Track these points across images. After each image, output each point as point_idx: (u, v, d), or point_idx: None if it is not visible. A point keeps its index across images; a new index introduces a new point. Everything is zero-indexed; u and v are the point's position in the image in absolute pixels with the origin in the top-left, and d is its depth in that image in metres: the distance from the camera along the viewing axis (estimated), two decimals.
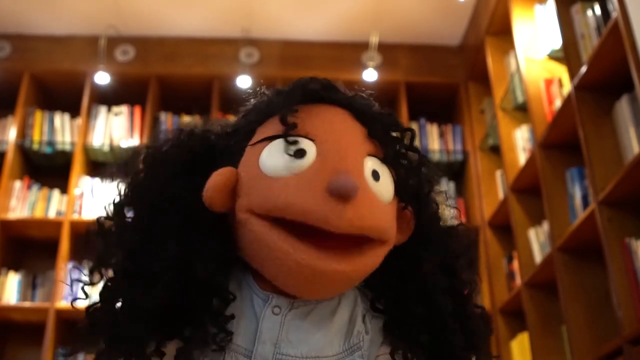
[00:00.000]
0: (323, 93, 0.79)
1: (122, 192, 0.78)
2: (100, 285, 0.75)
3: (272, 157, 0.73)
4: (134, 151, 0.80)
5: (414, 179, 0.80)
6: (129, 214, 0.77)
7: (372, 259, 0.74)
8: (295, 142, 0.72)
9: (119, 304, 0.73)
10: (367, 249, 0.72)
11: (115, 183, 0.79)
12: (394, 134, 0.80)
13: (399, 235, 0.78)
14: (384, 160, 0.76)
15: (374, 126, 0.78)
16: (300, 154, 0.72)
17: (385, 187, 0.75)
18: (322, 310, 0.76)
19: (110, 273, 0.76)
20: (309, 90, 0.78)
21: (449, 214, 0.84)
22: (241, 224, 0.73)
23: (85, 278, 0.76)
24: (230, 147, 0.79)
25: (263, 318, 0.74)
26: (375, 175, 0.74)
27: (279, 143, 0.73)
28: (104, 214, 0.78)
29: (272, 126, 0.75)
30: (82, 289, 0.76)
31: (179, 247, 0.72)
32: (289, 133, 0.73)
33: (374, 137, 0.77)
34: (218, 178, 0.73)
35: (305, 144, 0.73)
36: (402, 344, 0.75)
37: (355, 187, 0.67)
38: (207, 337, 0.70)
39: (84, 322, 0.74)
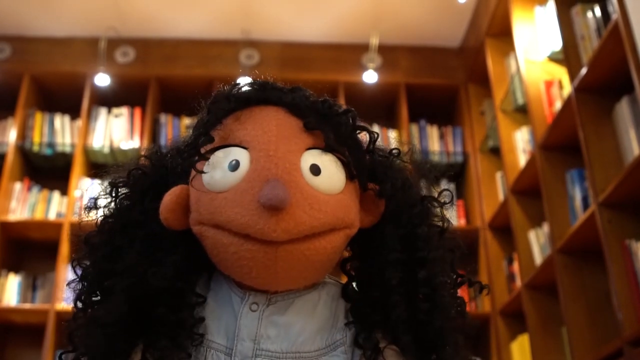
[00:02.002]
0: (251, 95, 0.79)
1: (97, 223, 0.82)
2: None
3: (212, 171, 0.74)
4: (109, 183, 0.83)
5: (367, 158, 0.80)
6: (97, 239, 0.81)
7: (328, 242, 0.74)
8: (230, 153, 0.74)
9: (82, 316, 0.78)
10: (323, 235, 0.73)
11: (90, 216, 0.82)
12: (335, 120, 0.79)
13: (368, 217, 0.78)
14: (326, 148, 0.76)
15: (309, 117, 0.77)
16: (235, 165, 0.73)
17: (328, 178, 0.74)
18: (302, 305, 0.77)
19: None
20: (237, 97, 0.80)
21: (430, 192, 0.83)
22: (198, 236, 0.76)
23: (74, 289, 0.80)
24: (181, 166, 0.80)
25: (241, 315, 0.75)
26: (315, 169, 0.74)
27: (215, 156, 0.75)
28: (79, 249, 0.81)
29: (208, 143, 0.77)
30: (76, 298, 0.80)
31: (136, 260, 0.75)
32: (225, 144, 0.75)
33: (312, 128, 0.76)
34: (168, 198, 0.76)
35: (239, 153, 0.74)
36: (376, 319, 0.75)
37: (283, 199, 0.68)
38: (175, 342, 0.73)
39: (69, 330, 0.78)
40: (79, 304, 0.78)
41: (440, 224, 0.81)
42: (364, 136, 0.81)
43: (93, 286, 0.78)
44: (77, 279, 0.79)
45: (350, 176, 0.76)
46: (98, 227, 0.81)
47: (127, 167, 0.83)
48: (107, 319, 0.73)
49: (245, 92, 0.80)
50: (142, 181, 0.81)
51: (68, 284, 0.80)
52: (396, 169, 0.81)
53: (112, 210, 0.81)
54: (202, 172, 0.74)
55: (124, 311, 0.73)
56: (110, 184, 0.82)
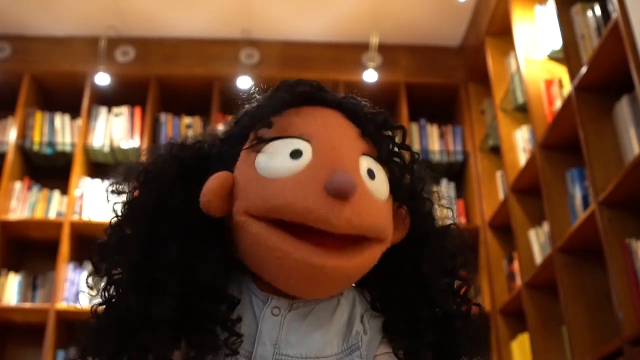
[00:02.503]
0: (313, 94, 0.79)
1: (119, 211, 0.78)
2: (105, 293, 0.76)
3: (268, 158, 0.73)
4: (126, 168, 0.80)
5: (408, 177, 0.80)
6: (128, 230, 0.76)
7: (369, 257, 0.74)
8: (290, 143, 0.73)
9: (123, 314, 0.72)
10: (365, 247, 0.73)
11: (111, 201, 0.78)
12: (387, 133, 0.80)
13: (395, 234, 0.78)
14: (378, 159, 0.77)
15: (366, 125, 0.78)
16: (296, 154, 0.72)
17: (380, 185, 0.75)
18: (322, 311, 0.76)
19: (113, 285, 0.75)
20: (298, 92, 0.78)
21: (444, 213, 0.84)
22: (239, 227, 0.73)
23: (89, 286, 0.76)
24: (224, 154, 0.79)
25: (262, 319, 0.74)
26: (371, 173, 0.75)
27: (274, 145, 0.73)
28: (104, 234, 0.77)
29: (266, 129, 0.75)
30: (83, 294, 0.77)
31: (179, 253, 0.72)
32: (284, 135, 0.73)
33: (367, 136, 0.77)
34: (214, 181, 0.73)
35: (301, 144, 0.73)
36: (404, 343, 0.76)
37: (353, 185, 0.67)
38: (217, 342, 0.70)
39: (88, 332, 0.74)
40: (110, 299, 0.74)
41: (464, 256, 0.84)
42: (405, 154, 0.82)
43: (134, 278, 0.73)
44: (105, 272, 0.75)
45: (392, 191, 0.77)
46: (128, 213, 0.77)
47: (152, 156, 0.80)
48: (163, 313, 0.69)
49: (308, 90, 0.79)
50: (170, 168, 0.77)
51: (91, 274, 0.75)
52: (428, 193, 0.82)
53: (141, 197, 0.77)
54: (264, 153, 0.72)
55: (175, 308, 0.70)
56: (140, 167, 0.78)
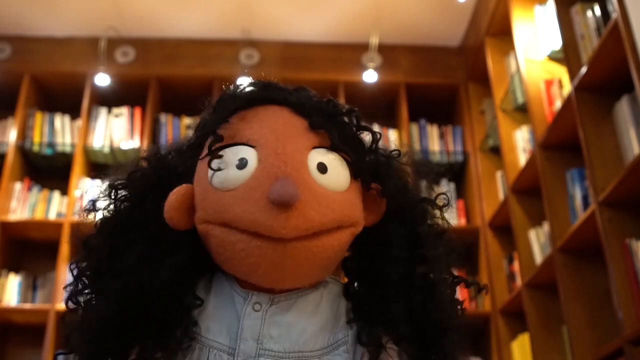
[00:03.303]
0: (256, 95, 0.80)
1: (96, 224, 0.81)
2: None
3: (218, 169, 0.74)
4: (109, 184, 0.83)
5: (370, 158, 0.80)
6: (96, 240, 0.80)
7: (336, 240, 0.75)
8: (237, 152, 0.74)
9: (86, 318, 0.77)
10: (331, 232, 0.74)
11: (91, 216, 0.82)
12: (339, 119, 0.80)
13: (370, 216, 0.79)
14: (332, 147, 0.77)
15: (314, 117, 0.78)
16: (242, 164, 0.73)
17: (335, 176, 0.75)
18: (304, 305, 0.77)
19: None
20: (242, 96, 0.80)
21: (430, 193, 0.84)
22: (203, 234, 0.76)
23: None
24: (184, 165, 0.81)
25: (244, 315, 0.76)
26: (322, 167, 0.75)
27: (223, 154, 0.75)
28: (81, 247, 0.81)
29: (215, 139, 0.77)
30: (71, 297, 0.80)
31: (134, 261, 0.75)
32: (231, 142, 0.75)
33: (317, 128, 0.77)
34: (173, 197, 0.76)
35: (247, 152, 0.74)
36: (368, 324, 0.76)
37: (294, 195, 0.69)
38: (167, 345, 0.73)
39: (65, 330, 0.78)
40: (71, 304, 0.78)
41: (439, 224, 0.83)
42: (365, 136, 0.82)
43: (88, 286, 0.78)
44: (73, 280, 0.79)
45: (354, 175, 0.77)
46: (97, 229, 0.81)
47: (127, 168, 0.82)
48: (99, 318, 0.74)
49: (251, 91, 0.81)
50: (141, 182, 0.81)
51: (65, 287, 0.80)
52: (398, 169, 0.82)
53: (111, 212, 0.81)
54: (216, 169, 0.74)
55: (115, 311, 0.73)
56: (109, 185, 0.82)
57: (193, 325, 0.75)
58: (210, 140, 0.76)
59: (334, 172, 0.75)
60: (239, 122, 0.77)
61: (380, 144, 0.82)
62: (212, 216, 0.73)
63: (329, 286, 0.80)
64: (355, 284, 0.81)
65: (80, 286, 0.79)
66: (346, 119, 0.80)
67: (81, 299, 0.78)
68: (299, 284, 0.77)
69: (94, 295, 0.78)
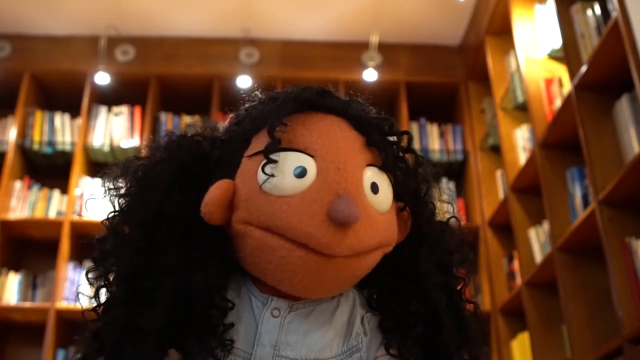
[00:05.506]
0: (318, 101, 0.77)
1: (117, 209, 0.77)
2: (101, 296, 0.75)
3: (272, 173, 0.71)
4: (125, 163, 0.78)
5: (412, 181, 0.79)
6: (123, 237, 0.75)
7: (373, 259, 0.74)
8: (295, 158, 0.72)
9: (113, 322, 0.71)
10: (371, 252, 0.73)
11: (108, 197, 0.77)
12: (392, 139, 0.79)
13: (397, 236, 0.78)
14: (383, 167, 0.76)
15: (372, 134, 0.77)
16: (300, 172, 0.71)
17: (384, 197, 0.75)
18: (322, 312, 0.76)
19: (109, 289, 0.75)
20: (303, 99, 0.77)
21: (444, 209, 0.84)
22: (239, 235, 0.73)
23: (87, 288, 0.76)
24: (226, 157, 0.77)
25: (262, 321, 0.74)
26: (374, 188, 0.74)
27: (278, 158, 0.71)
28: (102, 230, 0.77)
29: (268, 138, 0.73)
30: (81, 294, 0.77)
31: (175, 261, 0.72)
32: (288, 147, 0.72)
33: (374, 146, 0.76)
34: (217, 192, 0.72)
35: (305, 160, 0.72)
36: (397, 340, 0.76)
37: (356, 216, 0.68)
38: (207, 348, 0.70)
39: (84, 336, 0.73)
40: (104, 304, 0.74)
41: (462, 252, 0.84)
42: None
43: (126, 285, 0.72)
44: (101, 276, 0.74)
45: (396, 197, 0.77)
46: (124, 218, 0.76)
47: (154, 151, 0.78)
48: (151, 325, 0.69)
49: (313, 97, 0.77)
50: (173, 170, 0.76)
51: (87, 276, 0.75)
52: (431, 194, 0.82)
53: (139, 201, 0.76)
54: (270, 175, 0.70)
55: (167, 317, 0.70)
56: (136, 167, 0.76)
57: (230, 328, 0.72)
58: (267, 143, 0.72)
59: (383, 193, 0.75)
60: (297, 126, 0.74)
61: (421, 169, 0.81)
62: (257, 219, 0.70)
63: (344, 293, 0.79)
64: (375, 296, 0.80)
65: (113, 284, 0.74)
66: (400, 140, 0.79)
67: (104, 297, 0.74)
68: (328, 295, 0.76)
69: (131, 296, 0.71)
